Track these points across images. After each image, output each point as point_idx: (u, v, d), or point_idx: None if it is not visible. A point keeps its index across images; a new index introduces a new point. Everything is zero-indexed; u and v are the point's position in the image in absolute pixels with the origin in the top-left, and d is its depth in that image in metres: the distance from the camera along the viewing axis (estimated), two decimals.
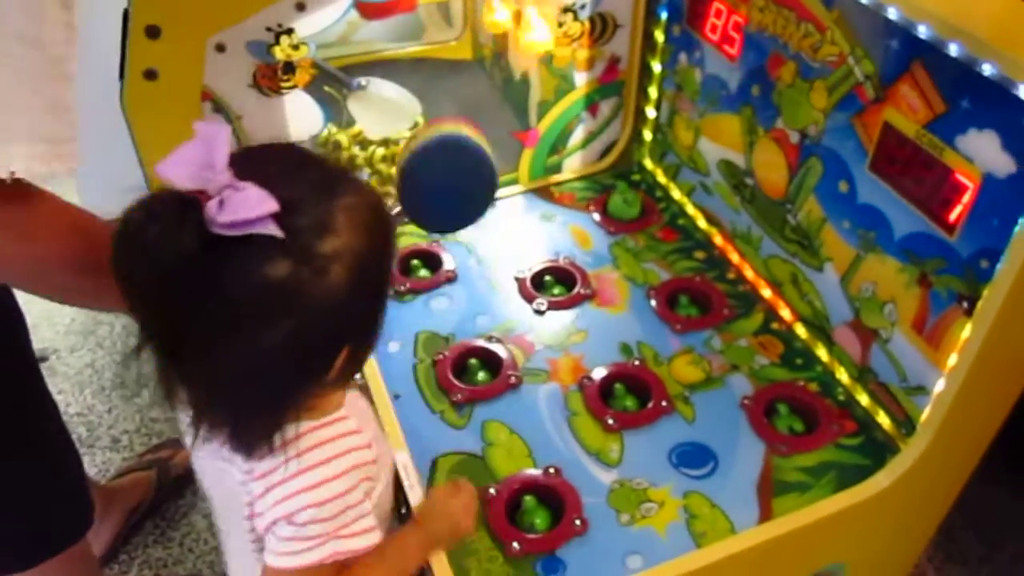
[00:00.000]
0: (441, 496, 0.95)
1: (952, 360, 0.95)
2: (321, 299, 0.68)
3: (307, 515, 0.75)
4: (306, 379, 0.73)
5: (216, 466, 0.81)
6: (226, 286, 0.65)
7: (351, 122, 1.44)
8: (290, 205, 0.66)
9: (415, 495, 1.02)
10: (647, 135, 1.56)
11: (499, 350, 1.20)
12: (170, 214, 0.63)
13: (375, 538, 0.80)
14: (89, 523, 1.29)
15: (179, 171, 0.64)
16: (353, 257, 0.69)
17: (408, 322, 1.27)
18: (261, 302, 0.66)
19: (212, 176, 0.64)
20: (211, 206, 0.63)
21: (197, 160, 0.65)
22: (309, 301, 0.67)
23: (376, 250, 0.73)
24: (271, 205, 0.63)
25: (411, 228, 1.44)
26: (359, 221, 0.70)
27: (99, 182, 1.07)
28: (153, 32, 1.10)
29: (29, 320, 1.16)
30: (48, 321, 2.05)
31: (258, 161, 0.70)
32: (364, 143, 1.48)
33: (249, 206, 0.63)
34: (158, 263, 0.63)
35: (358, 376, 0.89)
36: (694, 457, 1.07)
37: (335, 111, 1.38)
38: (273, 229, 0.64)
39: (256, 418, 0.72)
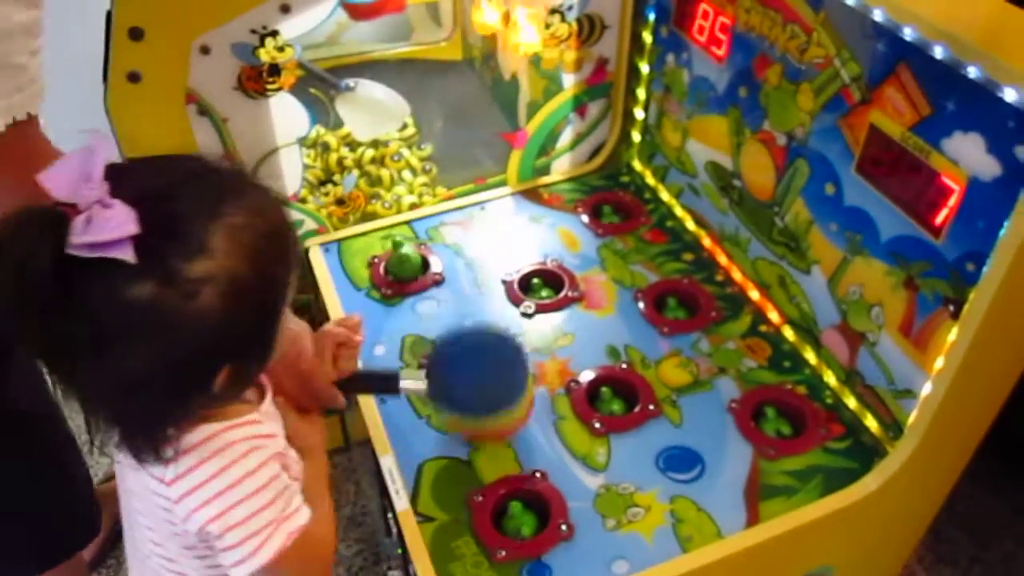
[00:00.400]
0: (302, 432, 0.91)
1: (939, 363, 0.95)
2: (189, 323, 0.66)
3: (242, 511, 0.74)
4: (182, 397, 0.71)
5: (131, 471, 0.79)
6: (89, 308, 0.63)
7: (339, 123, 1.43)
8: (162, 224, 0.64)
9: (401, 500, 1.02)
10: (635, 136, 1.56)
11: None
12: (32, 232, 0.61)
13: (306, 508, 0.80)
14: (97, 531, 1.30)
15: (56, 182, 0.63)
16: (229, 280, 0.67)
17: (394, 325, 1.26)
18: (124, 325, 0.64)
19: (86, 191, 0.62)
20: (77, 223, 0.61)
21: (75, 172, 0.63)
22: (175, 325, 0.66)
23: (261, 272, 0.70)
24: (130, 228, 0.61)
25: (400, 232, 1.44)
26: (242, 242, 0.68)
27: None
28: (136, 34, 1.09)
29: None
30: None
31: (140, 176, 0.69)
32: (353, 144, 1.47)
33: (109, 227, 0.61)
34: (18, 282, 0.61)
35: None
36: (681, 461, 1.07)
37: (321, 113, 1.37)
38: (128, 254, 0.61)
39: (137, 431, 0.71)
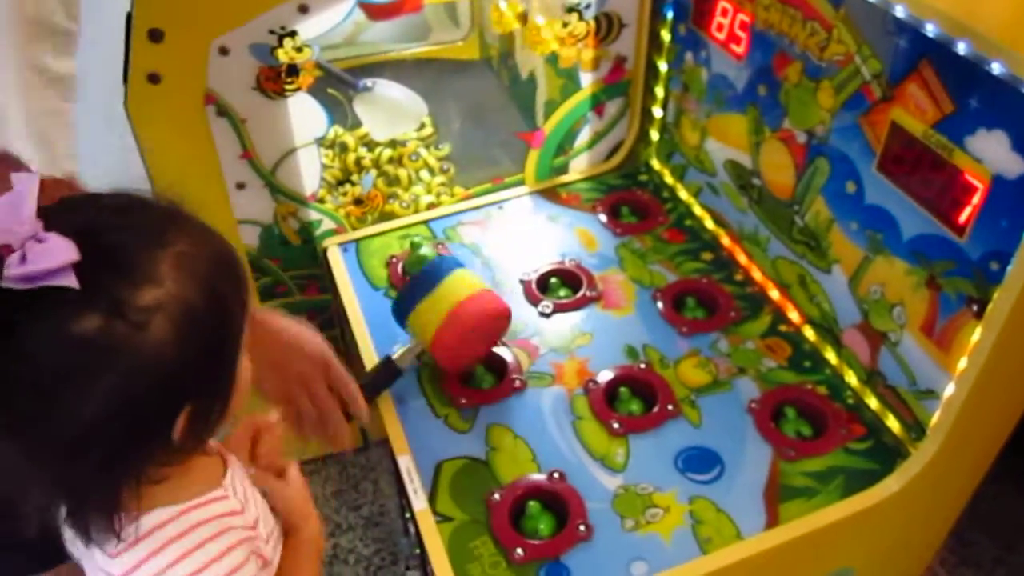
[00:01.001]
0: (287, 498, 0.89)
1: (962, 363, 0.94)
2: (142, 356, 0.62)
3: None
4: (141, 447, 0.66)
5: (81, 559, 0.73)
6: (32, 347, 0.59)
7: (357, 123, 1.43)
8: (105, 255, 0.61)
9: (419, 500, 1.02)
10: (654, 135, 1.55)
11: (504, 353, 1.20)
12: None
13: None
14: None
15: None
16: (181, 308, 0.63)
17: None
18: (73, 364, 0.60)
19: (17, 228, 0.59)
20: (11, 261, 0.58)
21: (3, 213, 0.60)
22: (127, 359, 0.61)
23: (214, 300, 0.67)
24: (70, 255, 0.58)
25: (418, 232, 1.44)
26: (190, 270, 0.65)
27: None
28: (156, 35, 1.10)
29: None
30: None
31: (75, 211, 0.65)
32: (371, 144, 1.48)
33: (46, 258, 0.58)
34: None
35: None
36: (700, 462, 1.06)
37: (339, 113, 1.37)
38: (70, 281, 0.58)
39: (91, 495, 0.66)
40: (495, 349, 1.20)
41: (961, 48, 0.85)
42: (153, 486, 0.69)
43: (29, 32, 0.77)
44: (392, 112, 1.46)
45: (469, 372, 1.18)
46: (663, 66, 1.46)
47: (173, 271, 0.64)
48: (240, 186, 1.31)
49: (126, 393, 0.62)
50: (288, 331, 1.04)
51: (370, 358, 1.20)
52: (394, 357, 1.13)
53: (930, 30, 0.89)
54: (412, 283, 1.15)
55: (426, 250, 1.34)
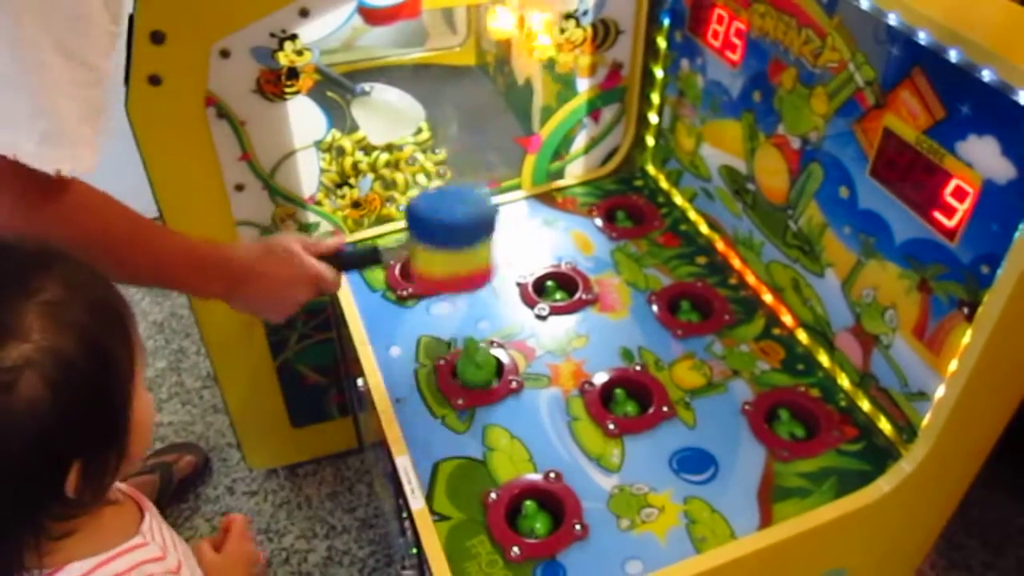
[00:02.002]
0: (222, 553, 0.91)
1: (953, 366, 0.95)
2: (14, 418, 0.58)
3: None
4: (29, 506, 0.63)
5: None
6: None
7: (355, 127, 1.44)
8: None
9: (416, 500, 1.03)
10: (649, 141, 1.56)
11: (500, 355, 1.21)
12: None
13: None
14: None
15: None
16: (53, 362, 0.60)
17: (410, 327, 1.27)
18: None
19: None
20: None
21: None
22: None
23: (91, 348, 0.63)
24: None
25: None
26: (62, 319, 0.61)
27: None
28: (158, 37, 1.11)
29: None
30: None
31: None
32: (368, 148, 1.49)
33: None
34: None
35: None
36: (695, 462, 1.07)
37: (338, 117, 1.38)
38: None
39: None
40: (492, 351, 1.21)
41: (953, 55, 0.87)
42: (61, 540, 0.66)
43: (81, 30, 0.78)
44: (389, 116, 1.47)
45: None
46: (659, 72, 1.48)
47: (40, 321, 0.60)
48: (239, 188, 1.31)
49: (3, 459, 0.59)
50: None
51: (367, 360, 1.21)
52: (381, 248, 1.17)
53: (922, 38, 0.90)
54: (448, 227, 1.09)
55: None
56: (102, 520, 0.70)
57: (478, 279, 1.14)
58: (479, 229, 1.10)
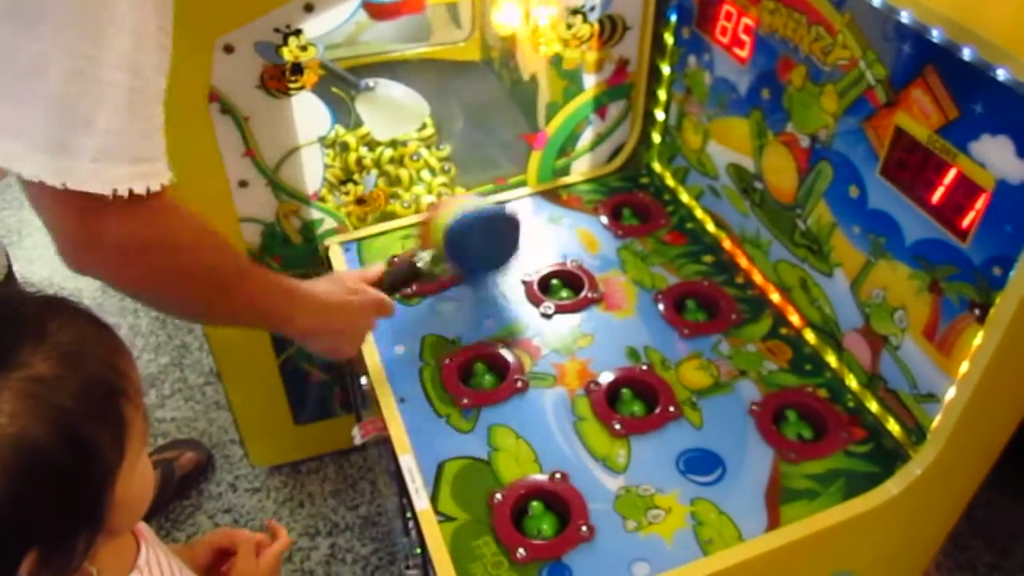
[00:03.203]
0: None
1: (963, 367, 0.94)
2: None
3: None
4: None
5: None
6: None
7: (359, 123, 1.43)
8: None
9: (421, 500, 1.02)
10: (656, 138, 1.55)
11: (506, 354, 1.20)
12: None
13: None
14: None
15: None
16: (14, 449, 0.55)
17: (414, 325, 1.26)
18: None
19: None
20: None
21: None
22: None
23: (68, 435, 0.57)
24: None
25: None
26: (40, 399, 0.56)
27: None
28: None
29: None
30: None
31: None
32: (372, 144, 1.48)
33: None
34: None
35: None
36: (702, 463, 1.06)
37: (342, 112, 1.37)
38: None
39: None
40: (497, 349, 1.20)
41: (966, 54, 0.86)
42: None
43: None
44: (394, 112, 1.46)
45: (470, 371, 1.19)
46: (666, 69, 1.46)
47: (13, 403, 0.55)
48: (243, 184, 1.31)
49: None
50: None
51: (371, 357, 1.20)
52: (420, 265, 1.22)
53: (935, 36, 0.89)
54: (488, 260, 1.29)
55: None
56: (97, 559, 0.67)
57: None
58: (510, 257, 1.30)
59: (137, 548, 0.74)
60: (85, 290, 2.24)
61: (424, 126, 1.50)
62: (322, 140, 1.35)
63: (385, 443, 1.15)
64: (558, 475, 1.04)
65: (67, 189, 0.70)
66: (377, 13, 1.31)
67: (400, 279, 1.23)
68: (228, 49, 1.16)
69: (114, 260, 0.78)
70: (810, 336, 1.22)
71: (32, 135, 0.70)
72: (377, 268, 1.19)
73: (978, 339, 0.91)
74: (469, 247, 1.22)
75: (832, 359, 1.19)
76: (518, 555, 0.96)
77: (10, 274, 1.58)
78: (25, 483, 0.56)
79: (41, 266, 2.32)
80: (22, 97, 0.69)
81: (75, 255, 0.76)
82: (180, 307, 0.93)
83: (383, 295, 1.14)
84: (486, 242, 1.24)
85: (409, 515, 1.11)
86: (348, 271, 1.16)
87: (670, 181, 1.53)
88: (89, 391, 0.60)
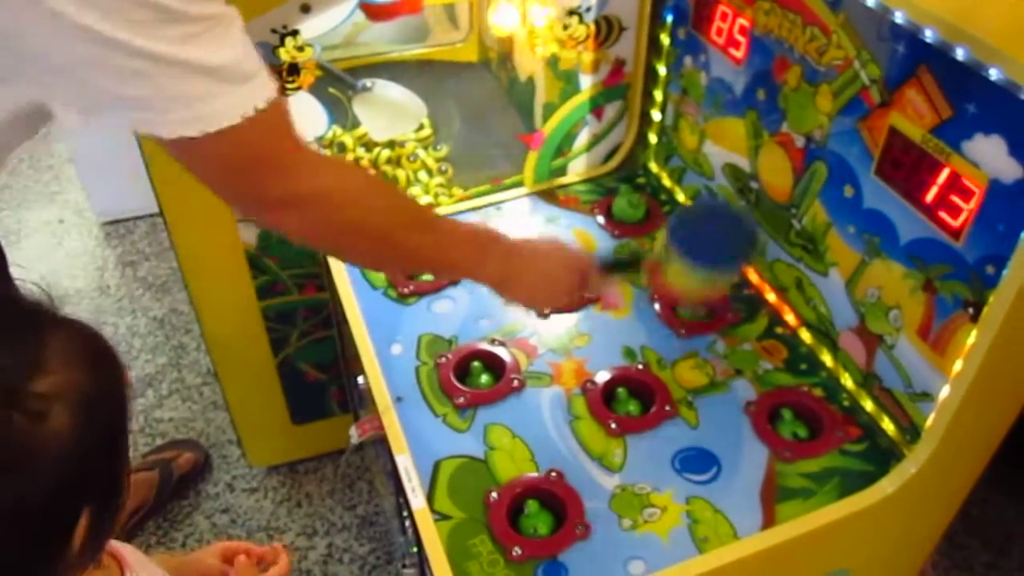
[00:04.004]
0: None
1: (957, 366, 0.94)
2: (44, 449, 0.57)
3: None
4: (42, 557, 0.60)
5: None
6: None
7: (356, 124, 1.44)
8: None
9: (417, 499, 1.02)
10: (652, 138, 1.56)
11: (502, 353, 1.20)
12: None
13: None
14: None
15: None
16: (78, 396, 0.59)
17: (411, 324, 1.26)
18: None
19: None
20: None
21: None
22: (28, 453, 0.56)
23: (104, 387, 0.63)
24: None
25: None
26: (77, 356, 0.61)
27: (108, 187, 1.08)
28: None
29: None
30: None
31: None
32: (369, 145, 1.48)
33: None
34: None
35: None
36: (697, 462, 1.07)
37: (339, 113, 1.38)
38: None
39: None
40: (493, 348, 1.21)
41: (959, 54, 0.86)
42: None
43: None
44: (391, 113, 1.46)
45: (466, 370, 1.19)
46: (662, 70, 1.47)
47: (60, 356, 0.59)
48: None
49: (25, 494, 0.56)
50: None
51: (368, 357, 1.21)
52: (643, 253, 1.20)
53: (929, 36, 0.90)
54: (720, 252, 1.09)
55: None
56: None
57: (720, 298, 1.23)
58: (745, 257, 1.17)
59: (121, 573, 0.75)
60: (84, 289, 2.25)
61: (421, 127, 1.50)
62: (319, 141, 1.35)
63: (382, 442, 1.16)
64: (554, 474, 1.05)
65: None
66: (374, 14, 1.32)
67: (621, 262, 1.16)
68: None
69: (279, 219, 0.84)
70: (805, 335, 1.23)
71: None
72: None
73: (972, 338, 0.92)
74: (694, 234, 1.09)
75: (827, 358, 1.19)
76: (514, 553, 0.97)
77: (6, 275, 1.58)
78: (85, 427, 0.59)
79: (41, 266, 2.33)
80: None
81: (244, 213, 0.79)
82: (359, 259, 0.99)
83: (591, 260, 1.06)
84: (713, 233, 1.10)
85: (406, 514, 1.11)
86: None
87: (667, 181, 1.54)
88: (103, 350, 0.65)
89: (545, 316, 1.23)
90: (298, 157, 0.82)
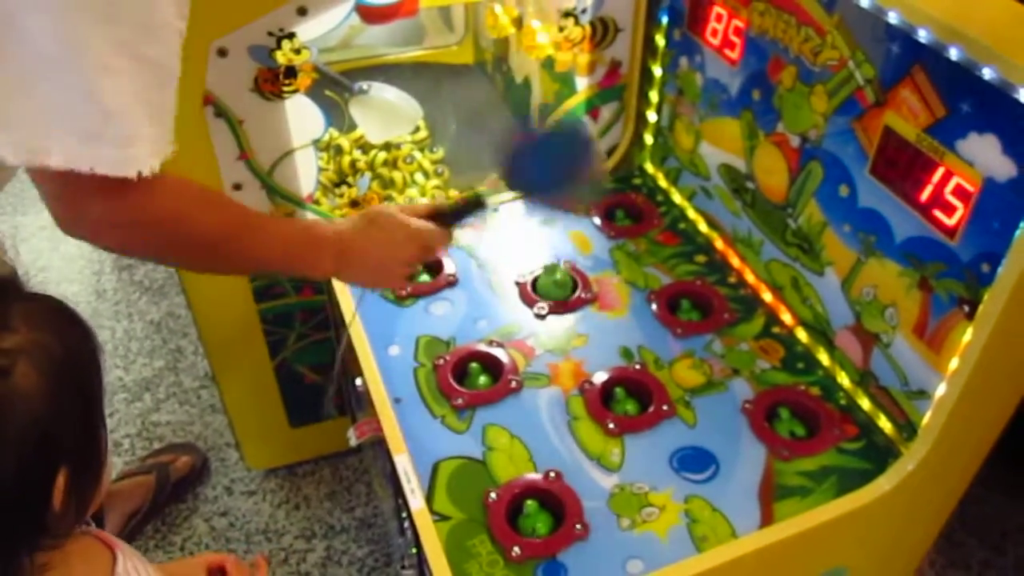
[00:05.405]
0: None
1: (953, 364, 0.95)
2: (10, 405, 0.58)
3: None
4: (24, 518, 0.61)
5: None
6: None
7: (352, 126, 1.44)
8: None
9: (416, 500, 1.03)
10: (648, 139, 1.56)
11: (500, 354, 1.20)
12: None
13: None
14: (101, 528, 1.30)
15: None
16: (44, 355, 0.61)
17: (409, 326, 1.27)
18: None
19: None
20: None
21: None
22: None
23: (71, 347, 0.65)
24: None
25: None
26: (42, 318, 0.64)
27: None
28: None
29: None
30: None
31: None
32: (365, 147, 1.48)
33: None
34: None
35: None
36: (695, 461, 1.07)
37: (336, 115, 1.38)
38: None
39: None
40: (491, 350, 1.21)
41: (953, 53, 0.87)
42: None
43: None
44: (387, 115, 1.46)
45: (465, 371, 1.19)
46: (658, 71, 1.47)
47: (25, 321, 0.62)
48: (237, 187, 1.31)
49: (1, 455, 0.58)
50: None
51: (366, 359, 1.21)
52: (483, 194, 1.11)
53: (923, 36, 0.90)
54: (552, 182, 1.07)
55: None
56: (71, 563, 0.68)
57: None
58: (583, 170, 1.07)
59: (113, 558, 0.75)
60: (81, 293, 2.25)
61: (417, 129, 1.51)
62: (316, 143, 1.36)
63: (380, 444, 1.16)
64: (553, 474, 1.05)
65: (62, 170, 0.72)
66: (371, 17, 1.32)
67: (460, 210, 1.12)
68: (222, 53, 1.17)
69: (105, 234, 0.82)
70: (802, 335, 1.23)
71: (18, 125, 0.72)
72: (430, 203, 1.12)
73: (967, 335, 0.92)
74: (527, 167, 1.06)
75: (824, 357, 1.19)
76: (513, 554, 0.97)
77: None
78: (55, 384, 0.61)
79: (37, 270, 2.32)
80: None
81: (67, 229, 0.79)
82: (189, 267, 1.01)
83: (426, 226, 1.05)
84: (546, 161, 1.06)
85: (405, 515, 1.11)
86: (398, 204, 1.07)
87: (663, 182, 1.54)
88: (70, 317, 0.67)
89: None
90: (128, 183, 0.78)
